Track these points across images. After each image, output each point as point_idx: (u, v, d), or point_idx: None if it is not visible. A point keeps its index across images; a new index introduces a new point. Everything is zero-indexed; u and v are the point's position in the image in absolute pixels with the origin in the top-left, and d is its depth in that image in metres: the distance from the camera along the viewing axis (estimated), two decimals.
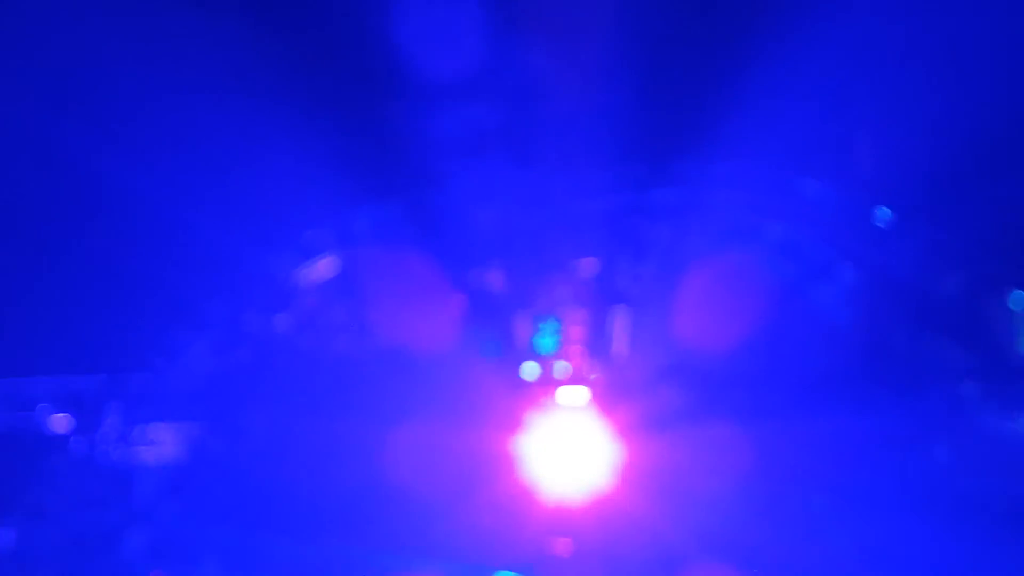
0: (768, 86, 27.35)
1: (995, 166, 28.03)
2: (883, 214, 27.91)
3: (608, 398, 27.58)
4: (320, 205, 28.55)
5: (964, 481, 25.40)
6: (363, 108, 28.82)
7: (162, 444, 28.29)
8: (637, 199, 28.07)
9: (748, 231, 28.22)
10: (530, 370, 28.33)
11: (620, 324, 28.61)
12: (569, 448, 27.42)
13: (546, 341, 29.39)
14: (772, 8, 27.76)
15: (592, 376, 28.20)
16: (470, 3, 28.81)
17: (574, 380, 28.27)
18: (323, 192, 28.25)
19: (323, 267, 28.79)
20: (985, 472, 25.16)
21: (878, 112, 27.46)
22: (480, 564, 27.38)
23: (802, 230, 27.86)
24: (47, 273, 28.00)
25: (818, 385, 26.80)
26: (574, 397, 27.93)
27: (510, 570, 27.21)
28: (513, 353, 28.20)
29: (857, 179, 27.65)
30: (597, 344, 28.18)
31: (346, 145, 28.13)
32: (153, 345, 27.93)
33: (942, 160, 27.31)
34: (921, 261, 27.33)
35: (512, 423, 27.86)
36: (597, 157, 28.49)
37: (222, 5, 27.13)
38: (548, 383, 28.08)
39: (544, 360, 29.23)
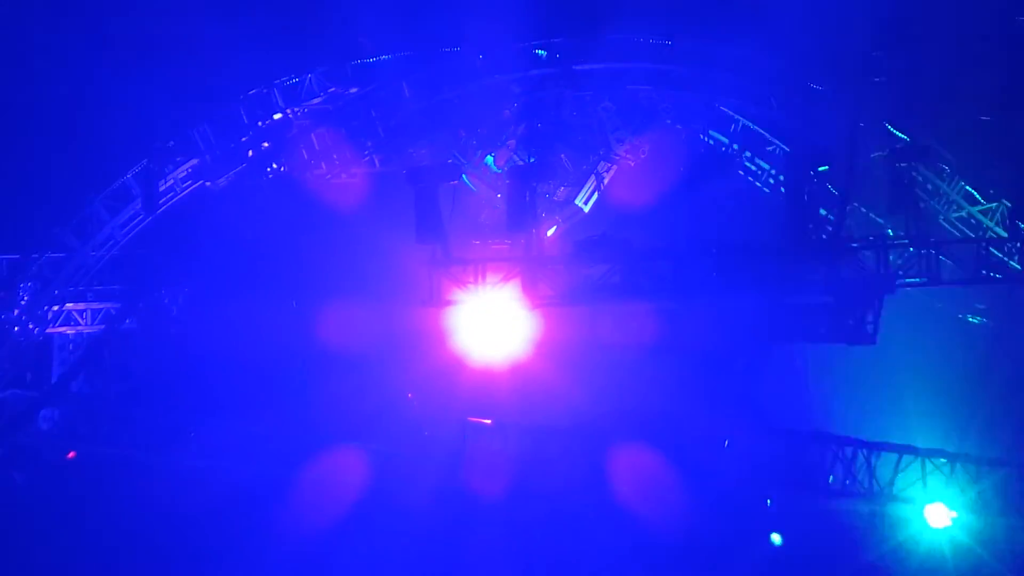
0: None
1: (917, 37, 27.72)
2: (808, 85, 27.59)
3: (531, 273, 27.41)
4: (243, 76, 28.05)
5: (884, 348, 25.42)
6: None
7: (77, 322, 28.03)
8: (561, 73, 27.69)
9: (674, 105, 27.92)
10: (455, 248, 28.12)
11: (541, 200, 28.37)
12: (493, 322, 27.30)
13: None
14: None
15: (515, 252, 28.01)
16: None
17: (500, 256, 28.08)
18: (247, 63, 27.73)
19: (249, 139, 28.34)
20: (901, 342, 25.20)
21: None
22: (408, 435, 27.38)
23: (728, 101, 27.59)
24: None
25: (741, 258, 26.62)
26: (501, 273, 27.76)
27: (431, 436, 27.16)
28: (440, 230, 27.92)
29: (782, 47, 27.31)
30: (520, 220, 27.93)
31: (273, 18, 27.57)
32: (67, 223, 27.55)
33: (864, 30, 26.98)
34: (846, 132, 27.05)
35: (438, 299, 27.68)
36: (518, 32, 28.08)
37: None
38: (474, 259, 27.88)
39: (470, 237, 29.02)
